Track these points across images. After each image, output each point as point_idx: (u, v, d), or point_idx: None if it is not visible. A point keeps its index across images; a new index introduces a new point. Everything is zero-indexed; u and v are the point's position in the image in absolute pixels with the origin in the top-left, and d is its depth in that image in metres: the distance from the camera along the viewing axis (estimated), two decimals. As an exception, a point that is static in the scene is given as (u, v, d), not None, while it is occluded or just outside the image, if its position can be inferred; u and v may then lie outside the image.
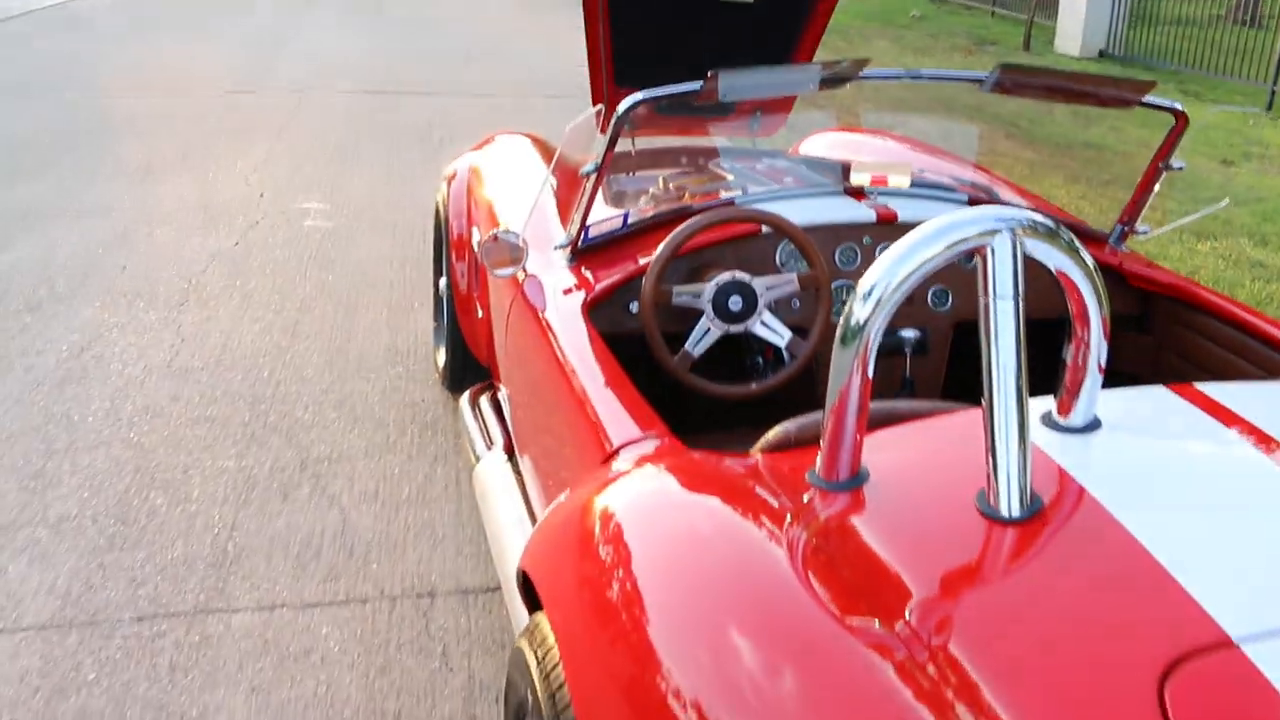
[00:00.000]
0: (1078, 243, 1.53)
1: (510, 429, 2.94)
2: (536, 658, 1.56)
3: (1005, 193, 3.31)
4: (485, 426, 3.11)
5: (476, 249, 3.30)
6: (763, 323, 2.49)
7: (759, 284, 2.48)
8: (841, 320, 1.50)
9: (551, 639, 1.55)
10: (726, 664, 1.30)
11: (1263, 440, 1.56)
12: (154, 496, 3.28)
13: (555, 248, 2.72)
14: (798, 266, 2.66)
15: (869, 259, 2.70)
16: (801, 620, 1.33)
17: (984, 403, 1.44)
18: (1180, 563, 1.30)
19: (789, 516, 1.50)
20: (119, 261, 5.25)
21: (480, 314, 3.33)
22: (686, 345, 2.48)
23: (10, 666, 2.58)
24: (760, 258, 2.64)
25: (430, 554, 3.04)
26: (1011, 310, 1.43)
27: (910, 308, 2.72)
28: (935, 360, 2.78)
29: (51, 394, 3.89)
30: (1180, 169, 2.75)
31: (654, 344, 2.44)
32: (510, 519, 2.57)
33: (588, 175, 2.51)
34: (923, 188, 2.88)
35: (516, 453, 2.83)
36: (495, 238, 2.56)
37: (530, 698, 1.57)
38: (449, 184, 3.81)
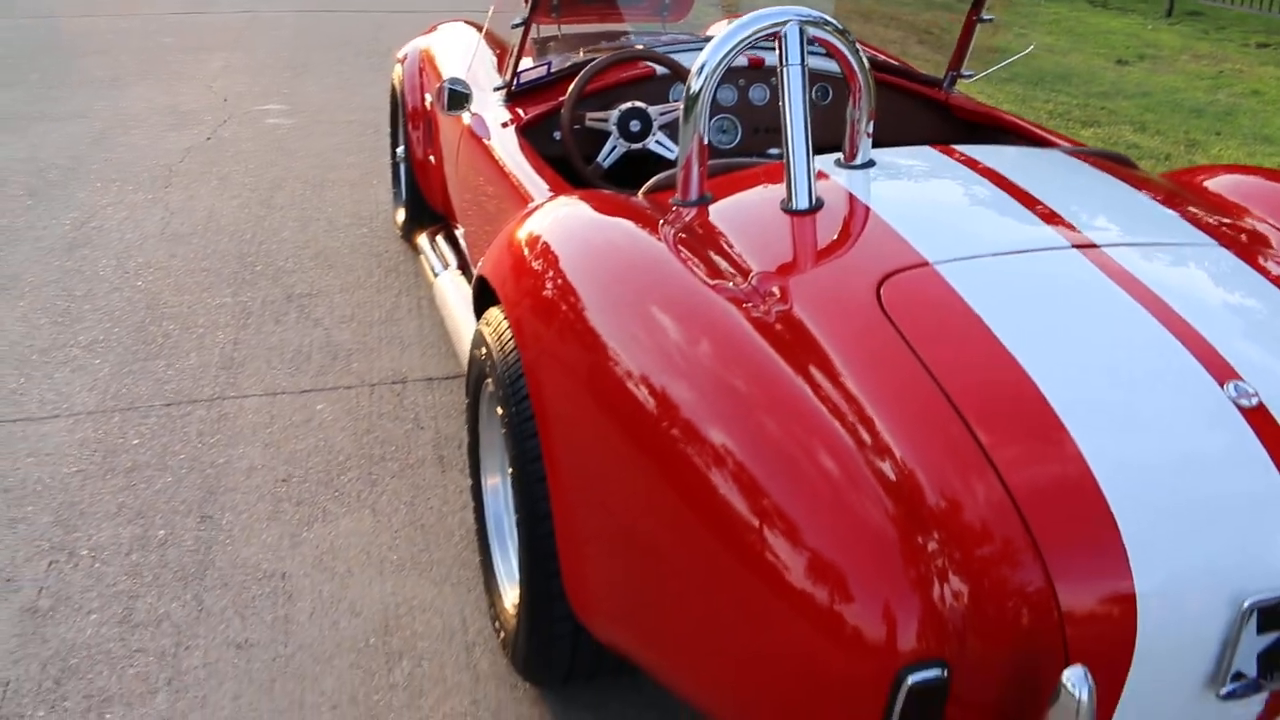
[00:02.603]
0: (848, 31, 2.23)
1: (466, 254, 3.62)
2: (494, 335, 2.24)
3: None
4: (441, 253, 3.79)
5: (432, 100, 3.94)
6: (658, 141, 3.18)
7: (654, 110, 3.17)
8: (684, 96, 2.19)
9: (504, 323, 2.21)
10: (638, 323, 1.89)
11: (985, 171, 2.28)
12: (166, 324, 3.93)
13: (494, 89, 3.39)
14: None
15: (744, 96, 3.38)
16: (690, 291, 1.93)
17: (783, 138, 2.14)
18: (905, 226, 2.02)
19: (663, 224, 2.19)
20: (102, 155, 5.83)
21: (434, 163, 3.99)
22: (598, 159, 3.16)
23: (70, 437, 3.24)
24: (658, 94, 3.31)
25: (400, 356, 3.72)
26: (799, 74, 2.13)
27: (778, 135, 3.41)
28: None
29: (63, 256, 4.51)
30: (990, 20, 3.45)
31: (571, 155, 3.12)
32: (465, 314, 3.25)
33: (517, 27, 3.17)
34: None
35: (472, 269, 3.50)
36: (448, 85, 3.22)
37: (489, 362, 2.25)
38: (402, 65, 4.45)
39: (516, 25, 3.17)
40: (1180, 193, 2.41)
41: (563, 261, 2.14)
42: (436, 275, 3.65)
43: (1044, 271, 1.94)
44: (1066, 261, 1.96)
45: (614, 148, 3.16)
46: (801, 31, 2.16)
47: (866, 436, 1.62)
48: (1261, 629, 1.59)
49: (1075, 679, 1.42)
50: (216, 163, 5.72)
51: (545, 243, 2.20)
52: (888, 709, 1.44)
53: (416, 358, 3.71)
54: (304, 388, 3.52)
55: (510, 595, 2.34)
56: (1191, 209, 2.28)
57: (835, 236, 2.06)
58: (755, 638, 1.58)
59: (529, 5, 3.13)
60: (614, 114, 3.14)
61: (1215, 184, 2.60)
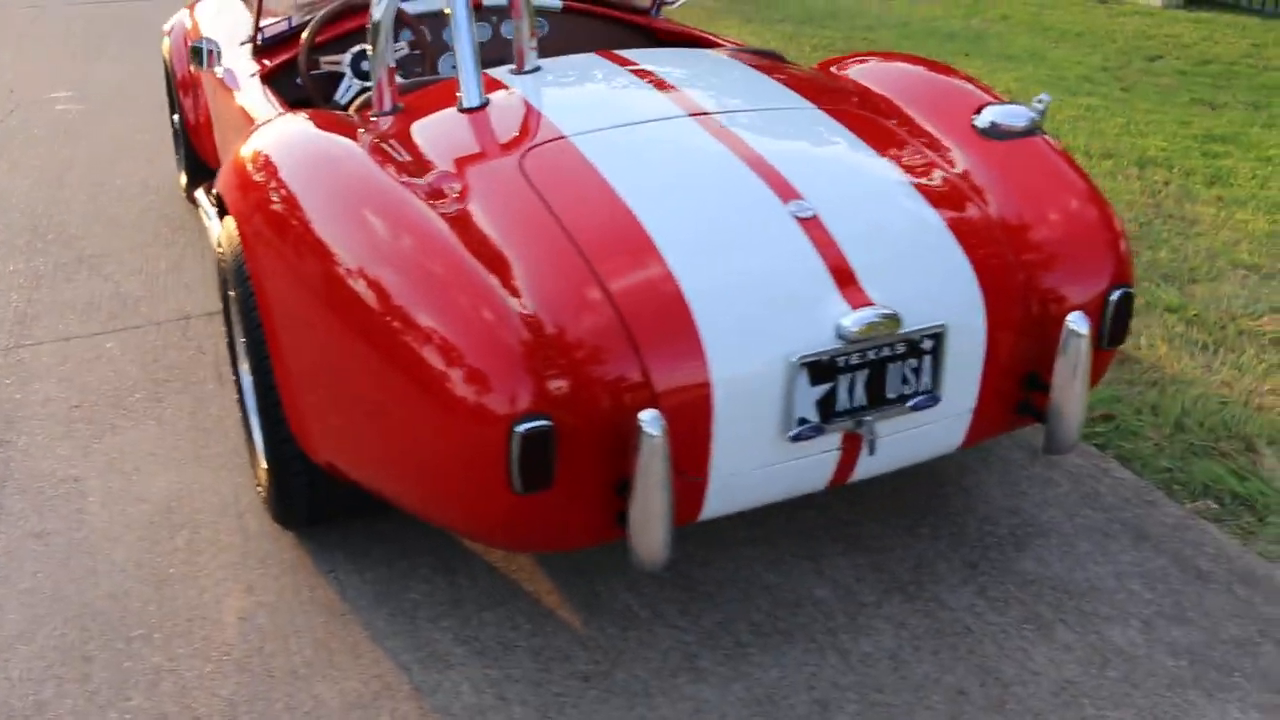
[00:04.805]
0: None
1: None
2: (226, 235, 2.62)
3: None
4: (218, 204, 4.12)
5: (187, 57, 4.26)
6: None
7: (381, 50, 3.56)
8: (370, 26, 2.60)
9: (235, 229, 2.60)
10: (331, 208, 2.31)
11: (634, 68, 2.74)
12: (-40, 292, 4.20)
13: (240, 44, 3.75)
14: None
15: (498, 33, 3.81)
16: (373, 179, 2.33)
17: (455, 49, 2.56)
18: (552, 111, 2.47)
19: (362, 131, 2.59)
20: (-109, 152, 5.97)
21: (204, 122, 4.31)
22: (336, 96, 3.55)
23: None
24: (388, 37, 3.71)
25: (185, 297, 4.06)
26: (464, -1, 2.56)
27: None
28: None
29: None
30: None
31: (313, 95, 3.50)
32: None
33: (251, -15, 3.53)
34: None
35: None
36: (193, 44, 3.57)
37: (225, 260, 2.63)
38: (169, 36, 4.75)
39: (250, -17, 3.53)
40: (807, 75, 2.92)
41: (269, 167, 2.51)
42: (211, 220, 3.99)
43: (660, 136, 2.41)
44: (680, 127, 2.44)
45: (349, 86, 3.55)
46: None
47: (507, 277, 2.07)
48: (814, 381, 2.09)
49: (649, 418, 1.90)
50: (4, 149, 5.91)
51: (258, 153, 2.58)
52: (509, 453, 1.90)
53: (200, 297, 4.06)
54: (95, 331, 3.83)
55: (264, 458, 2.74)
56: (807, 85, 2.78)
57: (496, 125, 2.51)
58: (425, 436, 2.03)
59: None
60: (346, 56, 3.53)
61: (855, 69, 3.07)
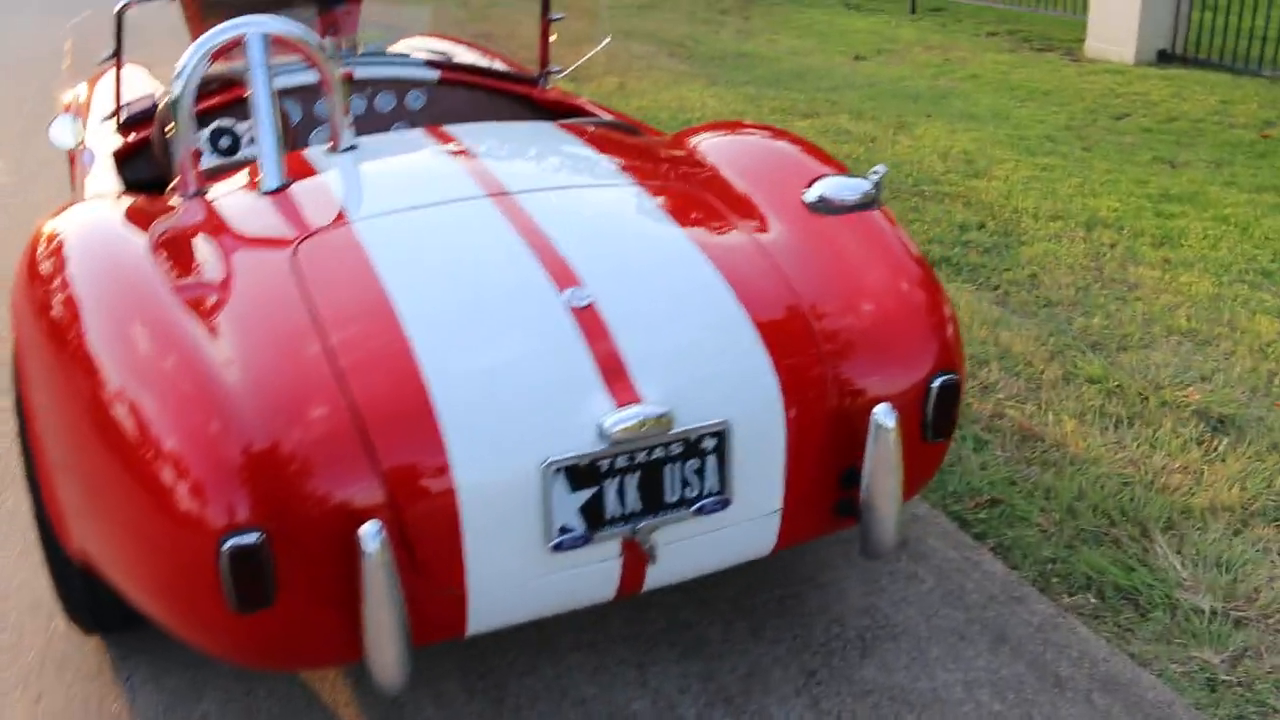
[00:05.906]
0: (324, 42, 2.55)
1: None
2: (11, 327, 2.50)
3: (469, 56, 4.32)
4: None
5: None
6: (246, 156, 3.47)
7: (241, 126, 3.46)
8: (167, 102, 2.48)
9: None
10: (97, 327, 2.11)
11: (453, 146, 2.61)
12: None
13: (101, 121, 3.65)
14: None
15: (371, 106, 3.70)
16: (144, 298, 2.11)
17: (255, 131, 2.44)
18: (347, 193, 2.36)
19: (157, 221, 2.45)
20: None
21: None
22: (194, 173, 3.44)
23: None
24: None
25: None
26: (263, 75, 2.44)
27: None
28: None
29: None
30: (560, 18, 3.82)
31: (165, 170, 3.39)
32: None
33: (106, 61, 3.44)
34: (393, 58, 3.87)
35: None
36: (55, 121, 3.48)
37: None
38: (66, 109, 4.66)
39: (104, 60, 3.44)
40: (644, 150, 2.77)
41: (47, 255, 2.36)
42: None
43: (448, 220, 2.28)
44: (473, 209, 2.30)
45: (207, 162, 3.44)
46: (264, 39, 2.45)
47: (247, 384, 1.92)
48: (575, 487, 1.93)
49: (368, 533, 1.75)
50: (-71, 223, 5.85)
51: (50, 237, 2.44)
52: (219, 568, 1.76)
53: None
54: (-29, 411, 3.71)
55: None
56: (638, 160, 2.64)
57: (289, 208, 2.38)
58: (153, 548, 1.89)
59: (116, 38, 3.39)
60: (205, 133, 3.43)
61: (706, 140, 2.90)
